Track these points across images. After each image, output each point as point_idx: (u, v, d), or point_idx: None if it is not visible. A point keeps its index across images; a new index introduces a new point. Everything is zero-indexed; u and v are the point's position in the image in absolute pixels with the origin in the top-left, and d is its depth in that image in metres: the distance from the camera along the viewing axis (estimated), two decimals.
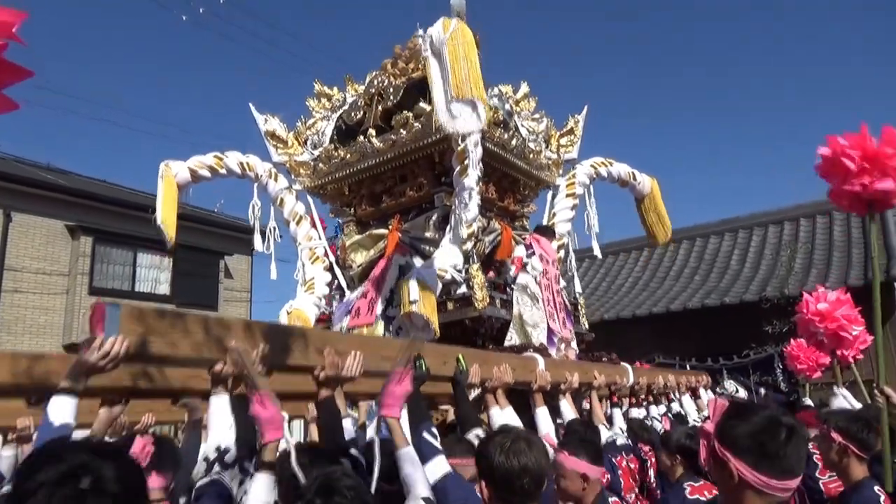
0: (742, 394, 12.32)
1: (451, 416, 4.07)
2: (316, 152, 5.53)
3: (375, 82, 5.44)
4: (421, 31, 5.90)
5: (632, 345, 11.08)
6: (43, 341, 13.51)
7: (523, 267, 5.05)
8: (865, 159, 3.63)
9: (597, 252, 6.27)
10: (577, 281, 6.17)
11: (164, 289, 14.89)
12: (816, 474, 4.66)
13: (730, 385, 12.32)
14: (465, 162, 4.31)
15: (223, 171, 5.41)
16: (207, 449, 2.10)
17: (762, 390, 11.70)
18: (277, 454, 1.99)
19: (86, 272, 13.83)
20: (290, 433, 2.11)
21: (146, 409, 3.35)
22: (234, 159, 5.42)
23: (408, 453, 2.24)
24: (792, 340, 7.24)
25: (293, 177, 5.59)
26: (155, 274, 14.88)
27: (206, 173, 5.36)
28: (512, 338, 4.57)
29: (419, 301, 4.07)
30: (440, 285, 4.31)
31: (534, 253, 5.12)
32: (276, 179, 5.49)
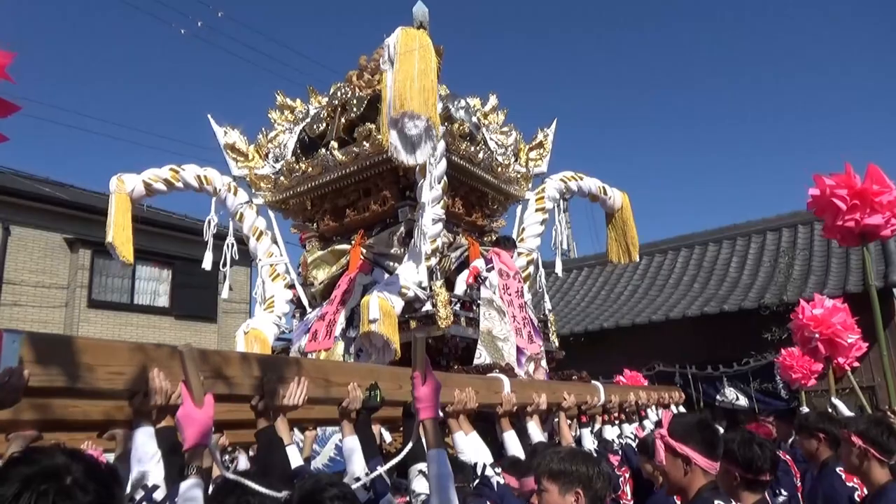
0: (742, 401, 12.23)
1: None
2: (277, 165, 5.35)
3: (339, 94, 5.28)
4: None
5: (632, 353, 11.09)
6: None
7: (481, 280, 4.89)
8: (854, 197, 4.06)
9: (558, 270, 6.14)
10: (546, 298, 6.03)
11: (163, 301, 14.78)
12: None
13: (730, 392, 12.20)
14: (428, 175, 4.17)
15: (180, 184, 5.21)
16: (133, 485, 1.90)
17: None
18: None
19: (84, 285, 13.73)
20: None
21: (65, 438, 3.09)
22: (191, 172, 5.22)
23: (437, 454, 2.07)
24: (783, 350, 7.18)
25: (253, 191, 5.40)
26: (154, 286, 14.79)
27: (162, 187, 5.16)
28: (481, 355, 4.40)
29: (379, 320, 3.90)
30: (402, 303, 4.14)
31: (493, 268, 4.98)
32: (235, 193, 5.29)
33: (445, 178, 4.44)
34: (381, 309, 3.94)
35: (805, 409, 6.90)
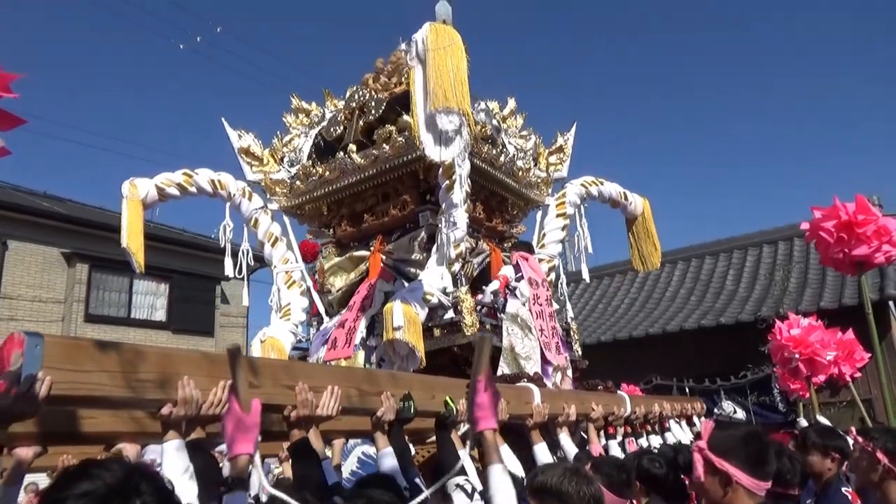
0: (740, 414, 12.24)
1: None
2: (293, 170, 5.22)
3: (356, 97, 5.16)
4: (403, 46, 5.68)
5: (629, 366, 11.06)
6: None
7: (510, 291, 4.73)
8: (840, 229, 4.15)
9: (585, 276, 5.98)
10: (569, 306, 5.87)
11: (160, 315, 14.64)
12: None
13: (728, 406, 12.40)
14: (453, 178, 4.02)
15: (193, 188, 5.07)
16: None
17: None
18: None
19: (81, 299, 13.64)
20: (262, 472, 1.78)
21: (62, 452, 2.91)
22: (204, 177, 5.08)
23: (501, 470, 1.95)
24: None
25: (268, 196, 5.25)
26: (151, 300, 14.66)
27: (175, 191, 5.02)
28: (503, 370, 4.25)
29: (404, 327, 3.74)
30: (426, 310, 3.99)
31: (522, 276, 4.81)
32: (249, 198, 5.15)
33: (469, 180, 4.30)
34: (405, 316, 3.79)
35: (802, 421, 6.75)
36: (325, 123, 5.28)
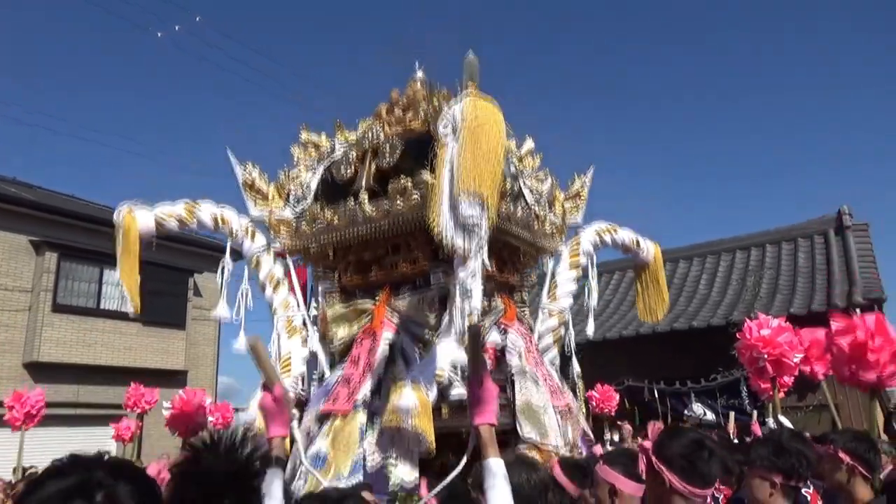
0: (710, 417, 12.47)
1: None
2: (299, 208, 4.97)
3: (369, 135, 4.89)
4: (420, 74, 5.39)
5: (602, 368, 11.09)
6: (2, 359, 13.14)
7: (502, 353, 4.57)
8: (854, 349, 4.09)
9: (590, 332, 5.83)
10: (575, 361, 5.71)
11: (130, 306, 14.24)
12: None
13: (697, 408, 12.67)
14: None
15: (193, 223, 4.85)
16: None
17: (730, 413, 11.75)
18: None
19: (49, 288, 13.38)
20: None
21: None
22: (207, 211, 4.85)
23: (497, 464, 1.89)
24: None
25: (272, 235, 5.01)
26: (122, 291, 14.31)
27: (174, 225, 4.80)
28: (523, 428, 4.09)
29: (413, 413, 3.56)
30: (436, 389, 3.81)
31: (506, 329, 4.66)
32: (252, 238, 4.92)
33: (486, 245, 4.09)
34: (416, 397, 3.61)
35: (771, 423, 6.69)
36: (335, 160, 5.01)
